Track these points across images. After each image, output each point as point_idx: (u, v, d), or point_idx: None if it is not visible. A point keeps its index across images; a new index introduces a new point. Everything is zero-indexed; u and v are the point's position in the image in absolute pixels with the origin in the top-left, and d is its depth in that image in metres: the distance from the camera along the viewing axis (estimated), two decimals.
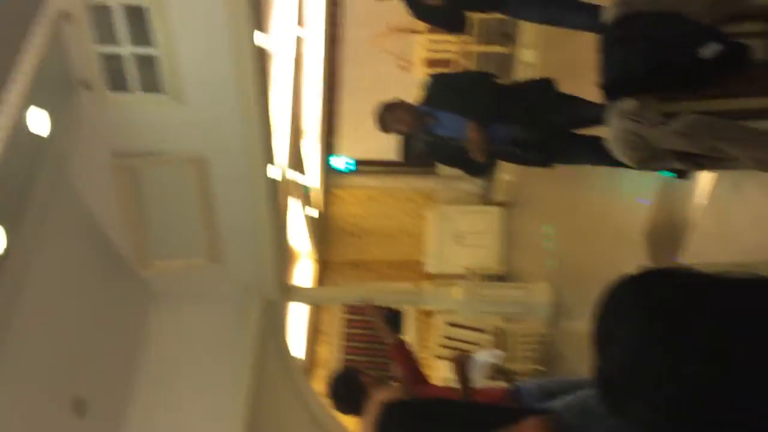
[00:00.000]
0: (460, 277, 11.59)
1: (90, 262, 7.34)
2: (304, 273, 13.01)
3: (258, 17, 6.88)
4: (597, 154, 4.61)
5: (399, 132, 4.95)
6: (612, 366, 1.10)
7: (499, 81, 5.18)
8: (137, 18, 6.52)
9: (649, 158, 2.88)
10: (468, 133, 4.65)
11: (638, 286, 1.14)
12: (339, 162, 13.50)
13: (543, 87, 5.04)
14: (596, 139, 4.57)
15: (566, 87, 8.10)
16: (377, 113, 4.97)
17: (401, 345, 4.57)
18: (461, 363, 4.24)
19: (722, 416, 1.02)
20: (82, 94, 6.75)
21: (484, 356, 9.39)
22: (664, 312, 1.07)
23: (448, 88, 4.96)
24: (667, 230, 5.48)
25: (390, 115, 4.86)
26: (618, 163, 4.53)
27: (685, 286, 1.10)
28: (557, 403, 3.57)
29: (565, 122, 4.84)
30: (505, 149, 4.77)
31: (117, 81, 6.82)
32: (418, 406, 3.60)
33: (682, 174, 4.73)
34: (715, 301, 1.06)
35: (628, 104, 2.83)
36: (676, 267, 1.15)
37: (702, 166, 2.96)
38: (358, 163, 13.57)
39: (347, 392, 3.96)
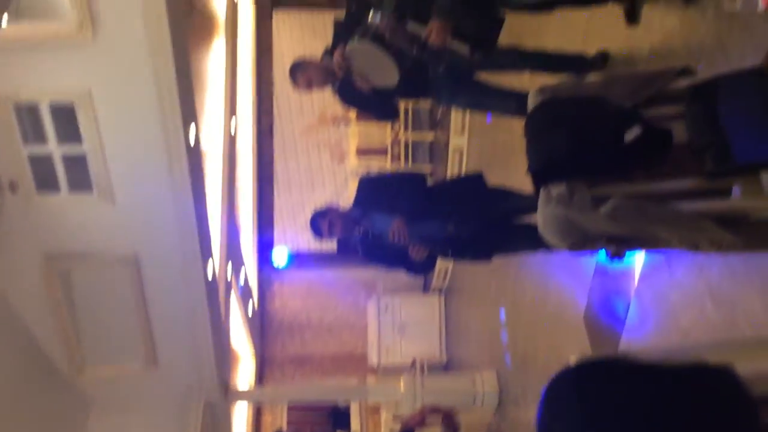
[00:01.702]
0: (405, 368, 11.48)
1: (19, 370, 7.06)
2: (244, 371, 12.73)
3: (190, 113, 6.86)
4: (532, 241, 4.66)
5: (334, 237, 5.00)
6: None
7: (428, 180, 5.28)
8: (66, 116, 6.45)
9: (581, 242, 2.88)
10: (392, 225, 4.73)
11: (574, 383, 1.10)
12: (279, 257, 13.38)
13: (474, 183, 5.12)
14: (530, 227, 4.62)
15: (498, 171, 8.24)
16: (310, 221, 5.03)
17: None
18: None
19: None
20: (7, 196, 6.60)
21: None
22: (598, 415, 1.03)
23: (378, 190, 5.05)
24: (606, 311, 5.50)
25: (324, 225, 4.92)
26: (555, 249, 4.59)
27: (622, 384, 1.06)
28: None
29: (498, 216, 4.91)
30: (442, 247, 4.84)
31: (45, 181, 6.70)
32: None
33: (615, 255, 4.79)
34: (653, 400, 1.02)
35: (557, 189, 2.84)
36: (613, 359, 1.12)
37: (633, 248, 2.98)
38: (296, 255, 13.47)
39: None
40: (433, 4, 3.95)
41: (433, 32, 3.96)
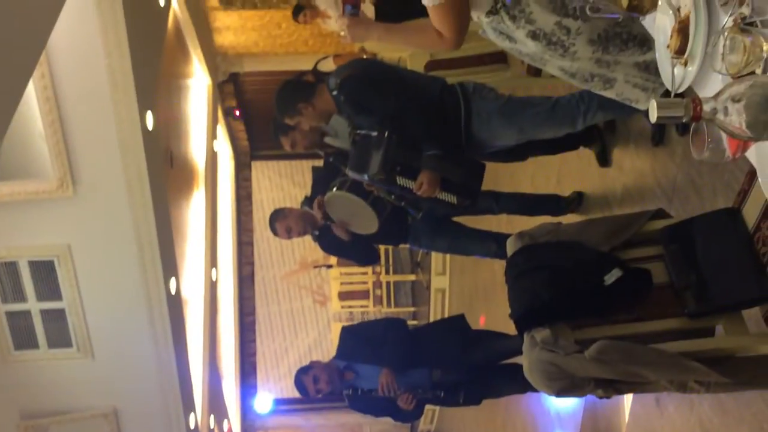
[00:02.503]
0: None
1: None
2: None
3: (171, 266, 6.87)
4: (520, 383, 4.63)
5: (321, 394, 4.95)
6: None
7: (410, 326, 5.27)
8: (45, 272, 6.45)
9: (568, 387, 2.85)
10: (380, 378, 4.70)
11: None
12: (263, 404, 13.13)
13: (457, 327, 5.12)
14: (516, 368, 4.60)
15: (480, 310, 8.24)
16: (295, 381, 5.00)
17: None
18: None
19: None
20: None
21: None
22: None
23: (361, 340, 5.03)
24: None
25: (309, 381, 4.88)
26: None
27: None
28: None
29: (484, 359, 4.89)
30: (430, 394, 4.80)
31: (23, 338, 6.63)
32: None
33: (604, 394, 4.74)
34: None
35: (541, 334, 2.83)
36: None
37: (621, 391, 2.95)
38: (281, 401, 13.23)
39: None
40: (421, 158, 4.03)
41: (424, 184, 4.02)
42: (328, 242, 5.14)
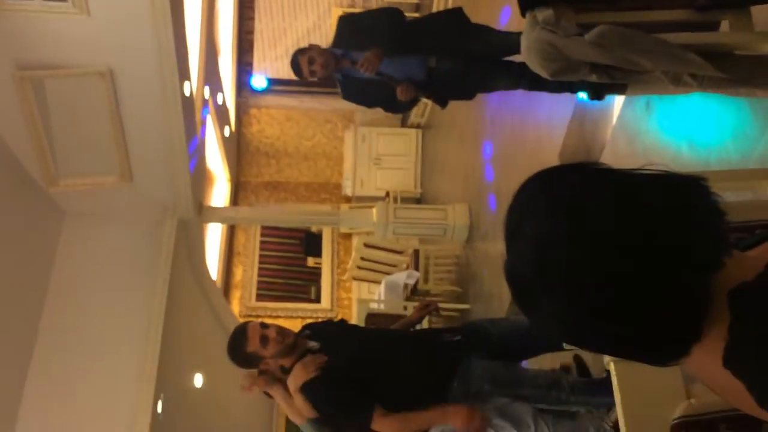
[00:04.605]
0: (378, 199, 11.62)
1: None
2: (218, 193, 12.84)
3: None
4: (515, 77, 4.62)
5: (315, 76, 4.88)
6: (520, 261, 1.05)
7: (406, 17, 5.11)
8: None
9: (563, 69, 2.84)
10: (366, 54, 4.62)
11: (545, 178, 1.09)
12: (259, 81, 13.21)
13: (456, 17, 4.98)
14: (511, 63, 4.58)
15: (486, 6, 8.06)
16: (291, 60, 4.91)
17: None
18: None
19: (630, 306, 0.99)
20: None
21: (400, 277, 9.50)
22: (569, 200, 1.02)
23: (356, 28, 4.92)
24: (582, 152, 5.53)
25: (304, 61, 4.80)
26: (536, 86, 4.55)
27: (592, 175, 1.06)
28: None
29: (480, 51, 4.79)
30: (424, 84, 4.77)
31: None
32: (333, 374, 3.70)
33: (595, 95, 4.77)
34: (624, 189, 1.02)
35: (544, 14, 2.78)
36: (585, 161, 1.11)
37: (615, 78, 2.94)
38: (276, 82, 13.30)
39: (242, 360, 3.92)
40: None
41: None
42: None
